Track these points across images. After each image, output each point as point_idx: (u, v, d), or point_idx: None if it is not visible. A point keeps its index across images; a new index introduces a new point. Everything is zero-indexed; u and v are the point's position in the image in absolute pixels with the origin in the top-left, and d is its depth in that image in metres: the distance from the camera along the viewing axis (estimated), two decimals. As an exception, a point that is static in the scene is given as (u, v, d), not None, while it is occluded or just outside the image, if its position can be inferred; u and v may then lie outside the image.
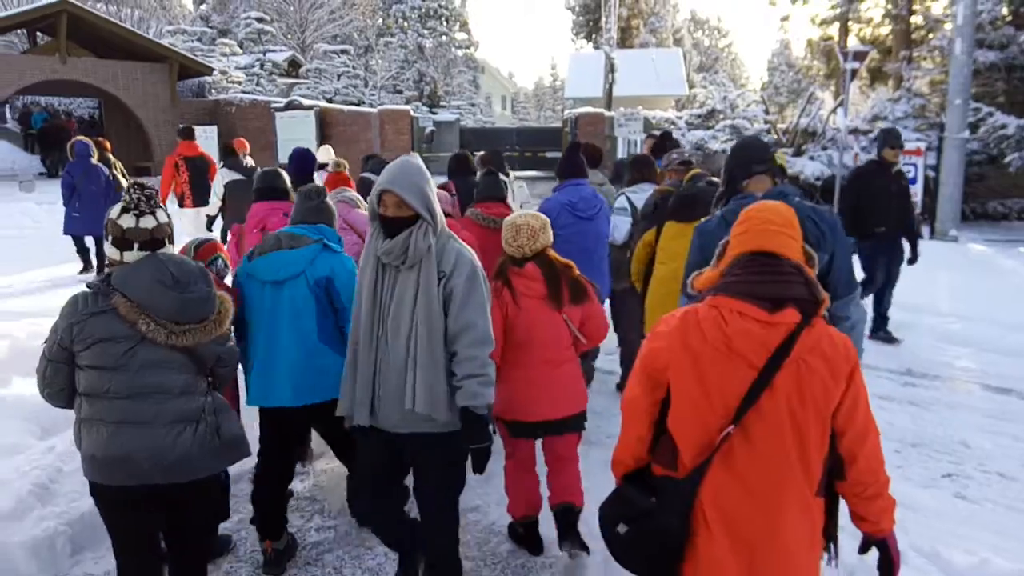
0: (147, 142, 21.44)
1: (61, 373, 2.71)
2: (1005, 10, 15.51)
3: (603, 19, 33.04)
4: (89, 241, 10.09)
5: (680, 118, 19.85)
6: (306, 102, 21.39)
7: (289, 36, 31.99)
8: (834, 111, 16.24)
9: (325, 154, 9.32)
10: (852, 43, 23.76)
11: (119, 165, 10.78)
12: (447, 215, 4.70)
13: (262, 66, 26.81)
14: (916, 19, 22.61)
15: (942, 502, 4.28)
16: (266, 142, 20.55)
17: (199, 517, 3.00)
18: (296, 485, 4.40)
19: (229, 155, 9.37)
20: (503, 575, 3.67)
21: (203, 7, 35.95)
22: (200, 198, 9.51)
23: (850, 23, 25.98)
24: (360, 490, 3.21)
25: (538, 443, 3.85)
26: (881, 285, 7.36)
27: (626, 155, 17.02)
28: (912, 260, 7.31)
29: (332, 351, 3.50)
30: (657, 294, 4.48)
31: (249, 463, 4.58)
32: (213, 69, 23.65)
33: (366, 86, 29.35)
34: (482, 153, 7.19)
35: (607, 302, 5.46)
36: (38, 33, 23.80)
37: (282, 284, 3.51)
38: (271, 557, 3.63)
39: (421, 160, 2.99)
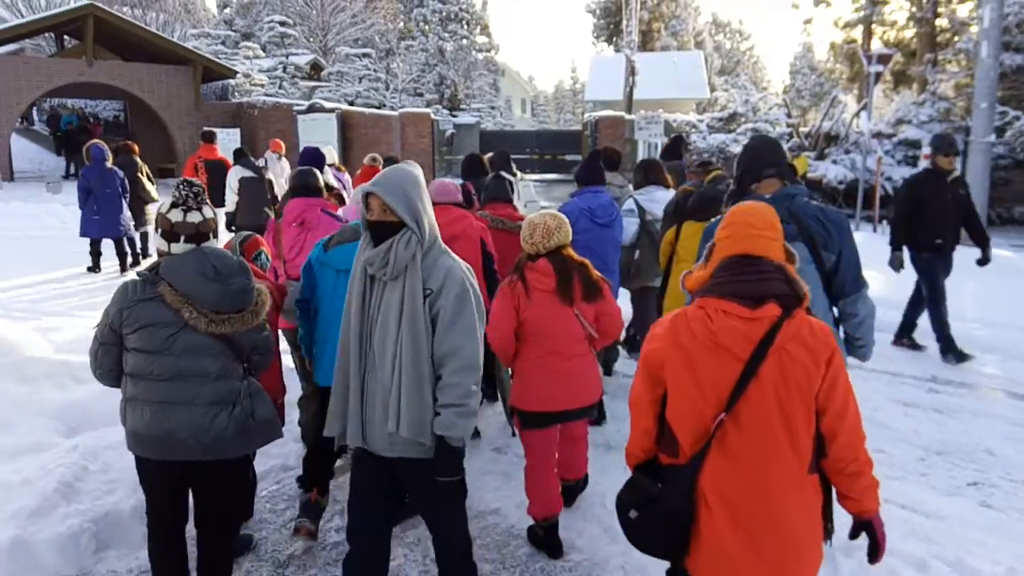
0: (171, 144, 21.69)
1: (111, 354, 2.92)
2: (1032, 13, 15.33)
3: (624, 22, 33.00)
4: (106, 244, 10.25)
5: (701, 121, 19.79)
6: (328, 105, 21.52)
7: (311, 39, 32.19)
8: (857, 115, 16.12)
9: (330, 155, 9.62)
10: (876, 46, 23.57)
11: (145, 168, 10.93)
12: (458, 205, 4.90)
13: (284, 69, 27.04)
14: (941, 22, 22.40)
15: (967, 511, 4.22)
16: (288, 144, 20.64)
17: (230, 495, 3.15)
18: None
19: (241, 156, 9.58)
20: (522, 578, 3.67)
21: (227, 11, 36.29)
22: (217, 199, 9.66)
23: (874, 26, 25.78)
24: (352, 523, 3.01)
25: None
26: (940, 296, 6.90)
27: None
28: (984, 261, 6.88)
29: None
30: (676, 291, 4.54)
31: (271, 464, 4.65)
32: (236, 72, 23.87)
33: (387, 89, 29.48)
34: (490, 154, 7.26)
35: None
36: (65, 37, 24.15)
37: None
38: (311, 506, 3.88)
39: (418, 169, 2.87)
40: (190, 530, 3.16)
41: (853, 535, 2.40)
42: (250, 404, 3.01)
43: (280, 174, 10.73)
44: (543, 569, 3.69)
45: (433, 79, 32.40)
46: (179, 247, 2.91)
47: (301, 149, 6.56)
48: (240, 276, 2.95)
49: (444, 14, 33.82)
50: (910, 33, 24.48)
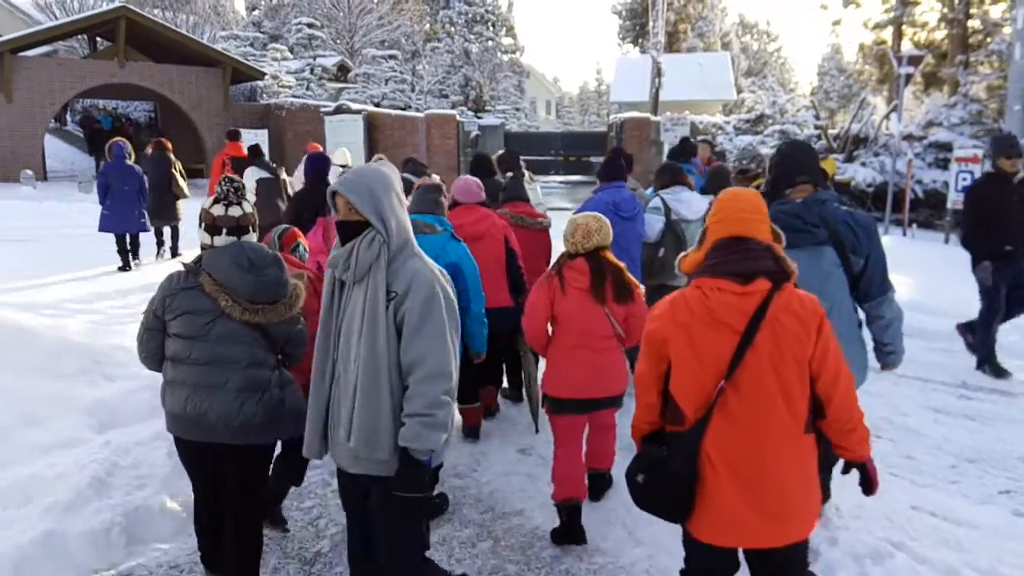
0: (200, 145, 21.95)
1: (155, 339, 3.12)
2: (1068, 13, 15.04)
3: (650, 23, 32.86)
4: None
5: (728, 123, 19.67)
6: (354, 106, 21.64)
7: (338, 41, 32.40)
8: (887, 116, 15.94)
9: (341, 157, 9.72)
10: (906, 47, 23.24)
11: (178, 165, 11.14)
12: (483, 203, 5.06)
13: (312, 71, 27.23)
14: (973, 23, 22.09)
15: (1000, 519, 4.14)
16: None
17: (255, 481, 3.26)
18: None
19: (256, 156, 9.71)
20: (547, 580, 3.66)
21: (255, 13, 36.65)
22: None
23: (904, 27, 25.47)
24: (349, 549, 2.94)
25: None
26: (996, 311, 6.56)
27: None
28: None
29: None
30: None
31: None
32: (265, 73, 24.09)
33: (413, 90, 29.59)
34: (501, 152, 7.33)
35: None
36: (98, 38, 24.54)
37: None
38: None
39: (390, 167, 2.77)
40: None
41: (845, 471, 2.64)
42: (279, 393, 3.13)
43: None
44: (568, 571, 3.68)
45: (458, 81, 32.50)
46: (221, 240, 3.08)
47: (305, 156, 6.71)
48: (273, 268, 3.11)
49: (470, 16, 33.94)
50: (941, 34, 24.16)
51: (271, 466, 3.52)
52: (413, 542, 2.83)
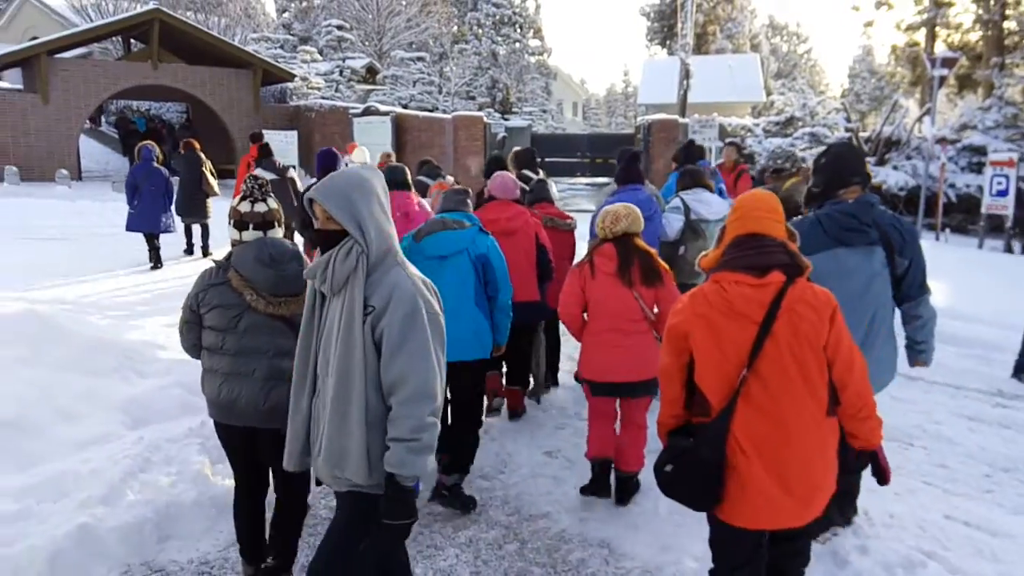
0: (231, 146, 22.20)
1: (193, 331, 3.30)
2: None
3: (679, 25, 32.66)
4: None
5: (757, 125, 19.49)
6: (383, 108, 21.77)
7: (367, 43, 32.58)
8: (920, 119, 15.72)
9: (360, 154, 9.79)
10: (940, 49, 22.90)
11: (209, 164, 11.31)
12: (518, 201, 5.25)
13: (341, 72, 27.42)
14: (1009, 24, 21.68)
15: (1036, 530, 4.07)
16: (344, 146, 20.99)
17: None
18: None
19: (264, 156, 9.81)
20: (573, 583, 3.66)
21: (286, 15, 36.98)
22: None
23: (937, 28, 25.06)
24: None
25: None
26: None
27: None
28: None
29: (484, 316, 4.20)
30: None
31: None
32: (295, 75, 24.30)
33: (440, 92, 29.68)
34: (516, 149, 7.38)
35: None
36: (132, 41, 24.92)
37: (446, 259, 4.13)
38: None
39: (372, 172, 2.59)
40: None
41: (856, 459, 2.74)
42: None
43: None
44: (595, 575, 3.68)
45: (486, 82, 32.54)
46: (249, 235, 3.24)
47: (318, 151, 6.80)
48: (294, 262, 3.24)
49: (497, 17, 33.95)
50: (976, 36, 23.74)
51: None
52: (398, 565, 2.77)
